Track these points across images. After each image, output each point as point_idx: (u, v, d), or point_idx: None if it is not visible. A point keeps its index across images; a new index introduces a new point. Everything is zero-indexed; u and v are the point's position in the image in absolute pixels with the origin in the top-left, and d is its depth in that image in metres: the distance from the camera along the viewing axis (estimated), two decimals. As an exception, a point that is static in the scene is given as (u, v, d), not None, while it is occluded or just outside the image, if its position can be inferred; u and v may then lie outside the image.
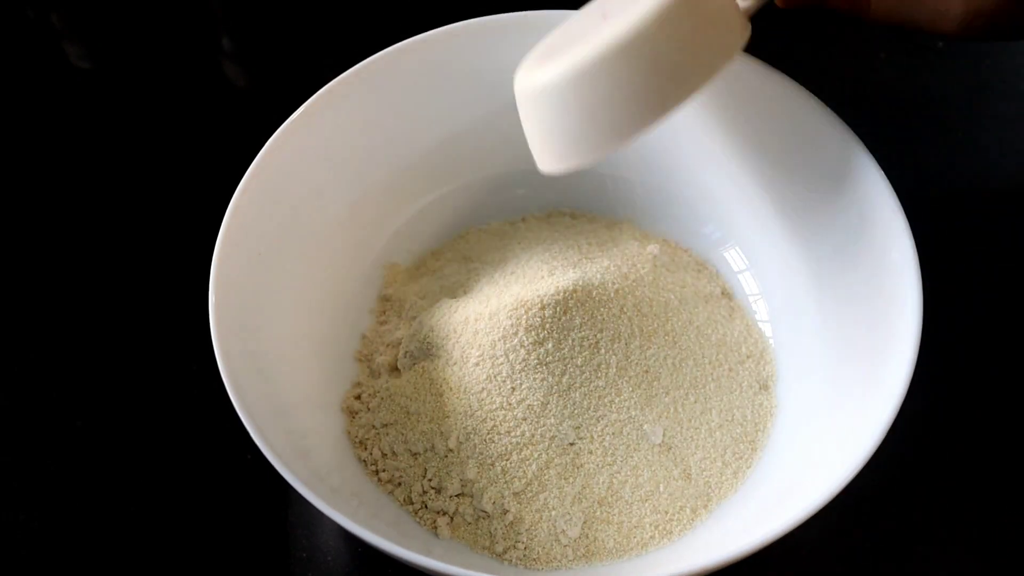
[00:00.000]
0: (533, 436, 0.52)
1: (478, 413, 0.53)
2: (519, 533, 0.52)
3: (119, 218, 0.67)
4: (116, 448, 0.58)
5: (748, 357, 0.57)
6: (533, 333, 0.53)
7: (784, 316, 0.58)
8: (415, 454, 0.54)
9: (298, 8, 0.76)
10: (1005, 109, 0.72)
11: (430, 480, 0.53)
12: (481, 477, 0.52)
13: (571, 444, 0.53)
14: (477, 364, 0.53)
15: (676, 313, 0.57)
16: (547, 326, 0.53)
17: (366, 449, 0.54)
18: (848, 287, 0.55)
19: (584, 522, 0.52)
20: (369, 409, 0.55)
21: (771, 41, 0.74)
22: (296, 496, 0.46)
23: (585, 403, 0.53)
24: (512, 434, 0.52)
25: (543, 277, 0.56)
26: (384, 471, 0.54)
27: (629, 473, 0.53)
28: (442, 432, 0.53)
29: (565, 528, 0.52)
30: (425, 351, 0.56)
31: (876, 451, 0.47)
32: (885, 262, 0.52)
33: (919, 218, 0.53)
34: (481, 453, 0.53)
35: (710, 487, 0.53)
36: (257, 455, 0.47)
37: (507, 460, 0.52)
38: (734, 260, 0.61)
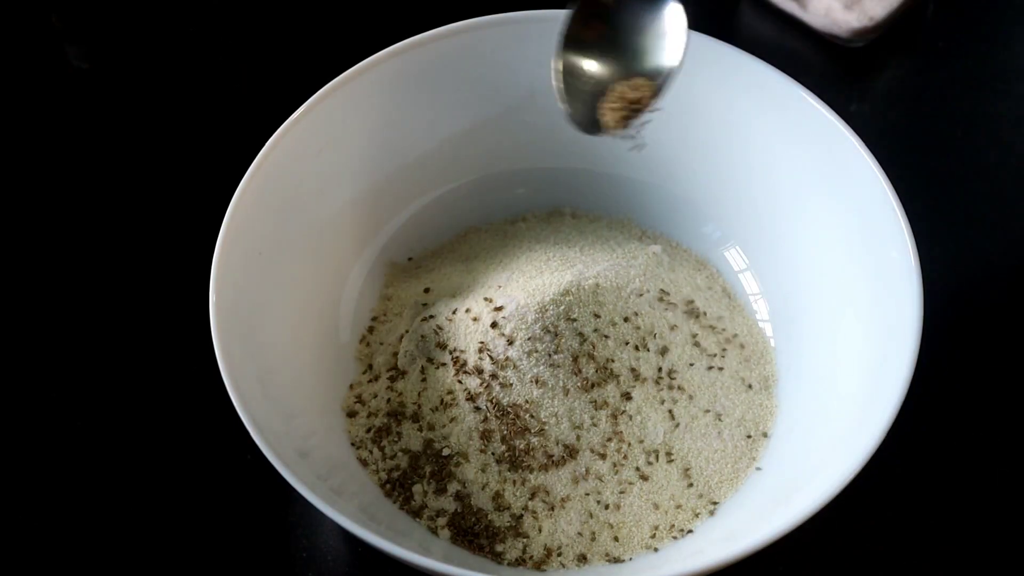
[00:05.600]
0: (533, 436, 0.52)
1: (478, 413, 0.53)
2: (519, 533, 0.52)
3: (119, 218, 0.66)
4: (116, 448, 0.58)
5: (748, 357, 0.57)
6: (533, 333, 0.53)
7: (784, 316, 0.58)
8: (415, 454, 0.53)
9: (298, 8, 0.76)
10: (1005, 109, 0.72)
11: (430, 480, 0.53)
12: (481, 477, 0.52)
13: (571, 444, 0.53)
14: (477, 364, 0.53)
15: (676, 313, 0.57)
16: (547, 326, 0.53)
17: (366, 449, 0.54)
18: (848, 287, 0.55)
19: (584, 522, 0.52)
20: (369, 409, 0.55)
21: (772, 41, 0.74)
22: (296, 496, 0.46)
23: (585, 403, 0.53)
24: (512, 434, 0.52)
25: (543, 277, 0.56)
26: (384, 471, 0.54)
27: (630, 473, 0.53)
28: (442, 432, 0.53)
29: (565, 528, 0.52)
30: (425, 351, 0.56)
31: (876, 451, 0.47)
32: (885, 262, 0.52)
33: (919, 218, 0.53)
34: (481, 453, 0.53)
35: (710, 487, 0.53)
36: (257, 455, 0.47)
37: (507, 460, 0.52)
38: (734, 260, 0.61)
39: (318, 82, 0.57)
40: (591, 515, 0.52)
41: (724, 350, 0.57)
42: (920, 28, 0.74)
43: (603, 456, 0.53)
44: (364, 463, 0.54)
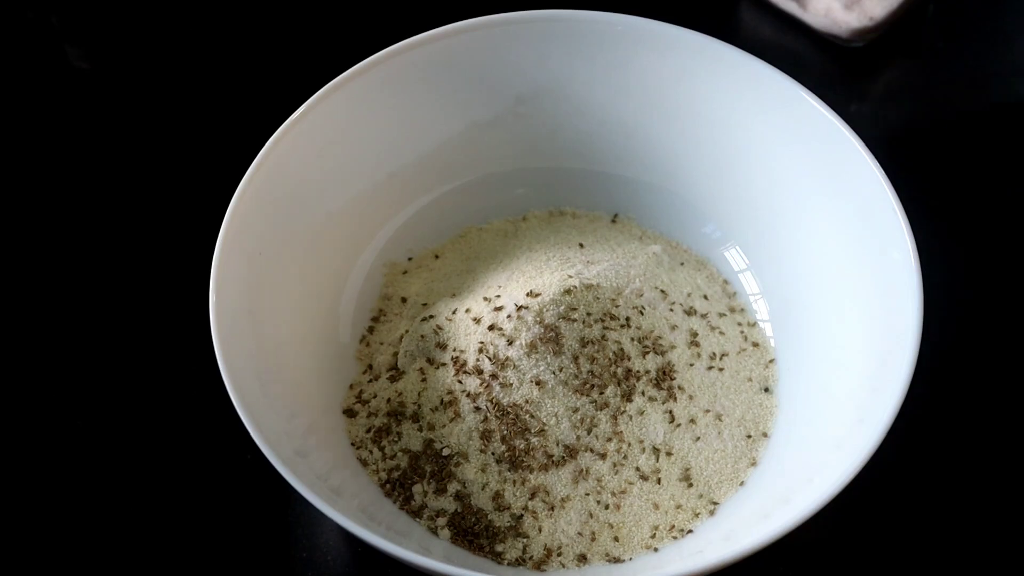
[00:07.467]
0: (533, 436, 0.52)
1: (478, 413, 0.53)
2: (519, 533, 0.52)
3: (119, 218, 0.66)
4: (116, 448, 0.58)
5: (748, 357, 0.57)
6: (534, 333, 0.53)
7: (784, 316, 0.58)
8: (415, 454, 0.54)
9: (298, 8, 0.76)
10: (1005, 110, 0.72)
11: (430, 480, 0.53)
12: (481, 477, 0.52)
13: (571, 444, 0.53)
14: (477, 364, 0.53)
15: (677, 313, 0.57)
16: (547, 326, 0.53)
17: (366, 449, 0.54)
18: (848, 287, 0.55)
19: (584, 522, 0.52)
20: (369, 409, 0.55)
21: (772, 41, 0.74)
22: (296, 496, 0.46)
23: (585, 403, 0.53)
24: (512, 434, 0.52)
25: (543, 277, 0.56)
26: (384, 471, 0.54)
27: (630, 473, 0.53)
28: (442, 432, 0.53)
29: (565, 528, 0.52)
30: (425, 351, 0.56)
31: (876, 451, 0.47)
32: (885, 262, 0.52)
33: (919, 218, 0.53)
34: (481, 453, 0.53)
35: (711, 487, 0.53)
36: (257, 455, 0.47)
37: (507, 460, 0.52)
38: (734, 259, 0.61)
39: (318, 82, 0.57)
40: (591, 515, 0.52)
41: (724, 350, 0.57)
42: (920, 28, 0.74)
43: (603, 456, 0.53)
44: (364, 463, 0.54)
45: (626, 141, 0.61)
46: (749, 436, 0.55)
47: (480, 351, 0.53)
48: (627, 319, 0.55)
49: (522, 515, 0.52)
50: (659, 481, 0.53)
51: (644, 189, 0.62)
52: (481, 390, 0.53)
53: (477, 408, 0.53)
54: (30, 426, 0.59)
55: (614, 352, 0.54)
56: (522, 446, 0.52)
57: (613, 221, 0.63)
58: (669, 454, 0.54)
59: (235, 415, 0.48)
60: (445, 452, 0.53)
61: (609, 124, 0.61)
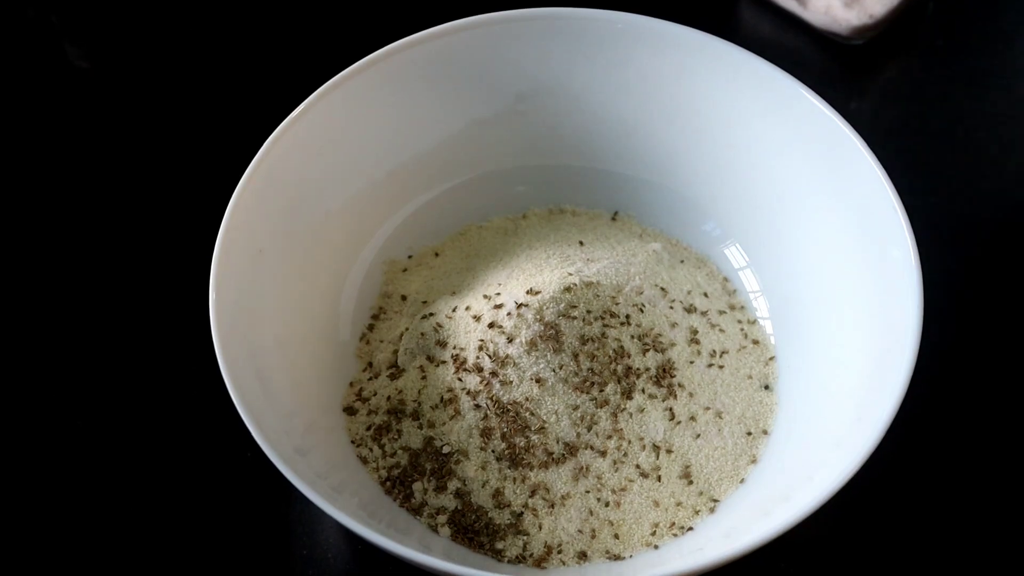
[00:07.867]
0: (533, 434, 0.52)
1: (478, 411, 0.53)
2: (519, 532, 0.52)
3: (119, 218, 0.66)
4: (116, 448, 0.58)
5: (749, 355, 0.57)
6: (534, 330, 0.53)
7: (785, 314, 0.58)
8: (415, 452, 0.54)
9: (298, 7, 0.76)
10: (1005, 106, 0.72)
11: (430, 478, 0.53)
12: (481, 475, 0.52)
13: (571, 442, 0.53)
14: (477, 361, 0.53)
15: (677, 310, 0.57)
16: (548, 323, 0.53)
17: (366, 447, 0.54)
18: (848, 285, 0.55)
19: (584, 520, 0.52)
20: (369, 407, 0.55)
21: (772, 39, 0.74)
22: (296, 494, 0.46)
23: (586, 401, 0.53)
24: (512, 432, 0.52)
25: (544, 274, 0.56)
26: (384, 469, 0.54)
27: (630, 472, 0.53)
28: (442, 430, 0.53)
29: (565, 525, 0.52)
30: (425, 349, 0.56)
31: (876, 448, 0.47)
32: (885, 260, 0.52)
33: (919, 217, 0.53)
34: (481, 451, 0.53)
35: (711, 486, 0.53)
36: (257, 453, 0.47)
37: (507, 458, 0.52)
38: (735, 257, 0.61)
39: (318, 80, 0.57)
40: (591, 512, 0.52)
41: (724, 347, 0.57)
42: (920, 26, 0.74)
43: (603, 454, 0.53)
44: (364, 461, 0.54)
45: (626, 139, 0.61)
46: (749, 433, 0.55)
47: (480, 349, 0.53)
48: (627, 317, 0.55)
49: (522, 512, 0.52)
50: (659, 478, 0.53)
51: (644, 187, 0.62)
52: (481, 388, 0.53)
53: (477, 406, 0.53)
54: (30, 426, 0.59)
55: (614, 350, 0.54)
56: (522, 444, 0.52)
57: (613, 219, 0.63)
58: (669, 451, 0.54)
59: (235, 413, 0.48)
60: (445, 450, 0.53)
61: (609, 122, 0.61)
